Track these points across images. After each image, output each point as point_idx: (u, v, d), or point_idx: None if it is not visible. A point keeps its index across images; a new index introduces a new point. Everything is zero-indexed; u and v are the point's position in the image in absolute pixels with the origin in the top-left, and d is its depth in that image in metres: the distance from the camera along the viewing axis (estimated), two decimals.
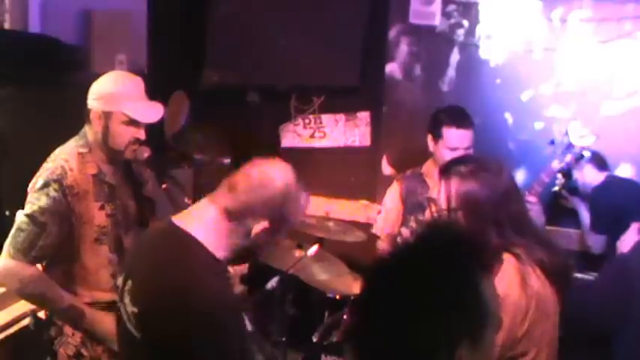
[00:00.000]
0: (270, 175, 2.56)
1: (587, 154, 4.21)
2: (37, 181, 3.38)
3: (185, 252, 2.46)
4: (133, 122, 3.43)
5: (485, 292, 1.71)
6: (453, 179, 3.00)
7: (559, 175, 4.45)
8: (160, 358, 2.39)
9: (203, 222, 2.50)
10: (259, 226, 2.48)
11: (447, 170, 3.08)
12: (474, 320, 1.68)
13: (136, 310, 2.44)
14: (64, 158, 3.44)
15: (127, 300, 2.50)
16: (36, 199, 3.34)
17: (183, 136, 5.66)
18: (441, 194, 3.03)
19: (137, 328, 2.44)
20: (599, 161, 5.20)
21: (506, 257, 2.82)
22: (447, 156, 4.32)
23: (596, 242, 5.28)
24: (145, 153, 3.57)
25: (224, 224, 2.49)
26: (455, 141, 4.32)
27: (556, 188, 4.90)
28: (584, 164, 5.01)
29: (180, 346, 2.31)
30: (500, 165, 3.11)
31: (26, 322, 3.87)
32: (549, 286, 2.85)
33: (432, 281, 1.68)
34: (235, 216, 2.49)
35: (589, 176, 5.23)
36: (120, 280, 2.61)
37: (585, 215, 5.36)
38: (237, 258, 2.70)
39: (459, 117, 4.38)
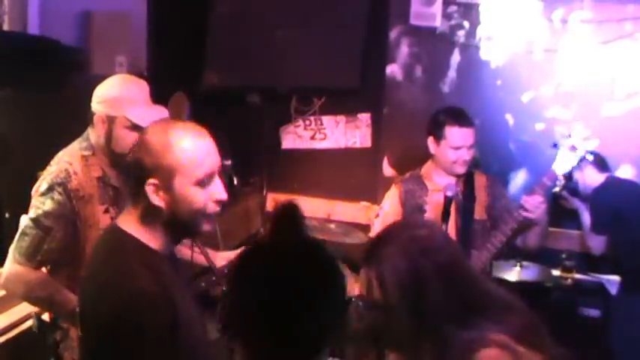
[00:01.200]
0: (147, 130, 2.49)
1: (589, 157, 4.16)
2: (42, 184, 3.34)
3: (116, 248, 2.43)
4: (136, 127, 3.38)
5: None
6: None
7: (560, 176, 4.40)
8: (96, 357, 2.40)
9: (133, 216, 2.45)
10: (151, 187, 2.37)
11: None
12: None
13: (78, 310, 2.48)
14: (68, 161, 3.39)
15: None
16: (41, 203, 3.30)
17: None
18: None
19: (80, 328, 2.46)
20: (600, 162, 5.18)
21: (489, 354, 2.22)
22: (451, 155, 4.30)
23: (596, 243, 5.27)
24: None
25: (141, 207, 2.43)
26: (458, 139, 4.29)
27: (556, 189, 4.86)
28: (585, 165, 4.97)
29: (104, 342, 2.31)
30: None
31: (29, 324, 3.84)
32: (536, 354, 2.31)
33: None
34: (135, 195, 2.44)
35: (589, 177, 5.21)
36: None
37: (586, 216, 5.34)
38: (182, 238, 2.68)
39: (461, 116, 4.37)
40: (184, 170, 2.38)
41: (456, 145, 4.30)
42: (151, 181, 2.36)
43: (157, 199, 2.37)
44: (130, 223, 2.45)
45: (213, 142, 2.49)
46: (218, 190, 2.48)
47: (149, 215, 2.42)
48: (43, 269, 3.45)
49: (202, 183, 2.42)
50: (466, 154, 4.30)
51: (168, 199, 2.38)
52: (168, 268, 2.53)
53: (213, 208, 2.48)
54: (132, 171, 2.42)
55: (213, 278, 3.65)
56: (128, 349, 2.26)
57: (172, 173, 2.37)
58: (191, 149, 2.40)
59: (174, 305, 2.41)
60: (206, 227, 2.51)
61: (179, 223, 2.45)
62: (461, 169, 4.34)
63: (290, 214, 1.86)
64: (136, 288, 2.31)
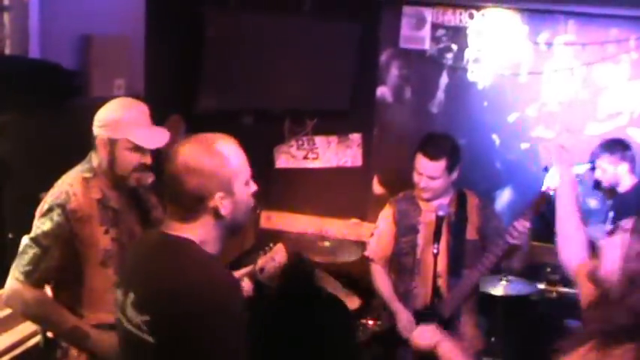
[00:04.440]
0: (187, 155, 2.47)
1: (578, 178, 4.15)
2: (43, 206, 3.33)
3: (183, 253, 2.45)
4: (138, 148, 3.37)
5: None
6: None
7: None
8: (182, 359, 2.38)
9: (193, 226, 2.47)
10: (218, 200, 2.42)
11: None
12: None
13: (147, 317, 2.40)
14: (69, 183, 3.38)
15: (130, 312, 2.46)
16: (41, 224, 3.29)
17: None
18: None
19: (152, 334, 2.39)
20: (633, 164, 5.12)
21: None
22: (415, 178, 4.31)
23: None
24: (149, 178, 3.52)
25: (202, 218, 2.46)
26: (420, 167, 4.29)
27: None
28: (620, 163, 4.99)
29: (197, 344, 2.30)
30: None
31: (35, 340, 3.82)
32: None
33: None
34: (197, 209, 2.45)
35: (623, 178, 5.12)
36: (119, 294, 2.57)
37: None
38: (227, 248, 2.68)
39: (432, 147, 4.30)
40: (239, 174, 2.48)
41: (418, 171, 4.31)
42: (219, 195, 2.42)
43: (224, 210, 2.44)
44: (185, 232, 2.47)
45: None
46: (253, 184, 2.58)
47: (213, 224, 2.48)
48: (47, 289, 3.44)
49: (249, 182, 2.53)
50: (424, 182, 4.29)
51: (231, 206, 2.45)
52: (225, 268, 2.63)
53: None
54: (192, 195, 2.43)
55: None
56: (225, 337, 2.31)
57: (232, 180, 2.45)
58: (238, 154, 2.51)
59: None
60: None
61: (236, 225, 2.54)
62: (423, 195, 4.34)
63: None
64: (218, 281, 2.40)
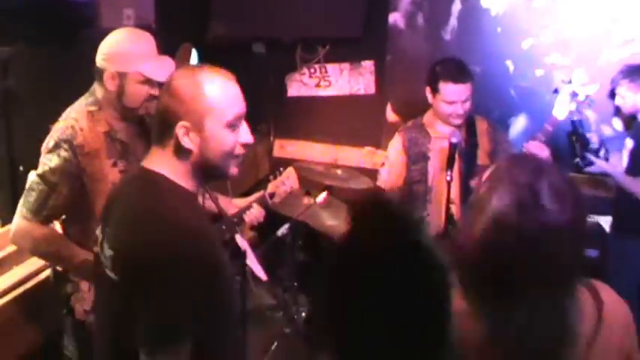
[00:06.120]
0: (173, 76, 2.46)
1: (590, 101, 4.10)
2: (49, 141, 3.30)
3: (153, 188, 2.40)
4: (147, 80, 3.33)
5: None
6: None
7: (576, 145, 4.40)
8: (138, 298, 2.28)
9: (161, 157, 2.42)
10: (181, 129, 2.35)
11: None
12: None
13: (112, 252, 2.38)
14: (74, 117, 3.34)
15: (105, 246, 2.44)
16: (48, 160, 3.26)
17: None
18: None
19: (114, 270, 2.37)
20: None
21: None
22: (446, 109, 4.25)
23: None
24: None
25: (168, 147, 2.41)
26: (452, 95, 4.23)
27: (576, 160, 4.82)
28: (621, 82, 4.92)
29: (157, 281, 2.23)
30: None
31: (46, 274, 3.83)
32: None
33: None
34: (164, 137, 2.41)
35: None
36: (99, 230, 2.53)
37: (617, 167, 5.13)
38: (211, 179, 2.63)
39: (456, 71, 4.27)
40: (216, 113, 2.37)
41: (449, 100, 4.24)
42: (182, 123, 2.34)
43: (188, 142, 2.36)
44: (159, 165, 2.42)
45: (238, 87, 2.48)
46: (245, 133, 2.48)
47: (179, 157, 2.40)
48: (56, 224, 3.44)
49: (232, 126, 2.41)
50: (460, 109, 4.24)
51: (199, 142, 2.37)
52: (200, 207, 2.58)
53: (240, 150, 2.47)
54: (161, 115, 2.41)
55: (223, 227, 3.62)
56: (178, 284, 2.23)
57: (204, 116, 2.35)
58: (222, 92, 2.40)
59: (213, 243, 2.46)
60: (234, 170, 2.50)
61: (209, 166, 2.44)
62: (456, 121, 4.29)
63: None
64: (182, 221, 2.31)
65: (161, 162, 2.42)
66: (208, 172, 2.48)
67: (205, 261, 2.31)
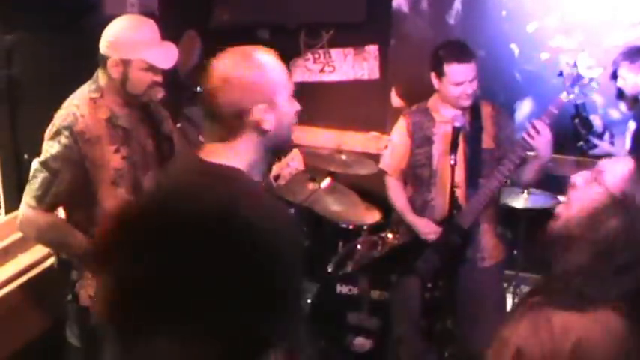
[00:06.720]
0: (225, 67, 2.37)
1: (595, 84, 4.08)
2: (51, 129, 3.32)
3: (233, 187, 2.26)
4: (151, 67, 3.34)
5: None
6: None
7: (579, 128, 4.39)
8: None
9: (233, 151, 2.35)
10: (259, 113, 2.31)
11: None
12: None
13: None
14: (76, 104, 3.36)
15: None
16: (50, 147, 3.28)
17: (196, 74, 5.58)
18: None
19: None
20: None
21: None
22: (454, 91, 4.23)
23: None
24: (159, 93, 3.48)
25: (243, 137, 2.35)
26: (458, 75, 4.21)
27: (580, 144, 4.81)
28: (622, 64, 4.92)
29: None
30: None
31: (51, 261, 3.84)
32: None
33: None
34: (237, 125, 2.34)
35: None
36: None
37: (621, 150, 5.12)
38: (270, 164, 2.60)
39: (459, 51, 4.26)
40: (282, 86, 2.38)
41: (456, 81, 4.22)
42: (259, 107, 2.31)
43: (268, 123, 2.33)
44: (229, 159, 2.35)
45: None
46: (295, 102, 2.48)
47: (252, 145, 2.36)
48: (61, 211, 3.45)
49: (292, 97, 2.43)
50: (468, 88, 4.22)
51: (274, 120, 2.35)
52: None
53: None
54: (227, 111, 2.33)
55: None
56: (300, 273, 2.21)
57: (275, 92, 2.35)
58: (278, 65, 2.41)
59: None
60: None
61: (280, 142, 2.45)
62: (465, 102, 4.27)
63: None
64: (285, 212, 2.35)
65: (230, 154, 2.36)
66: (278, 149, 2.51)
67: (294, 259, 2.25)
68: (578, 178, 2.24)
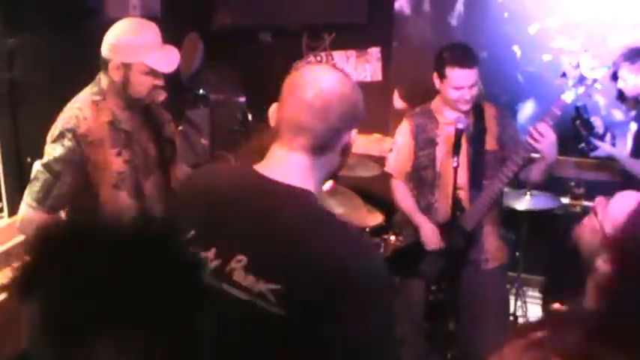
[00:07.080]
0: (335, 82, 2.11)
1: (598, 86, 4.07)
2: (54, 131, 3.32)
3: (311, 211, 2.08)
4: (152, 71, 3.33)
5: None
6: None
7: (581, 129, 4.39)
8: (314, 334, 1.97)
9: (310, 171, 2.11)
10: (352, 135, 2.12)
11: None
12: None
13: (278, 286, 1.96)
14: (79, 107, 3.35)
15: (240, 276, 2.02)
16: (52, 149, 3.28)
17: (198, 77, 5.59)
18: None
19: (282, 305, 1.97)
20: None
21: None
22: (453, 95, 4.22)
23: None
24: (161, 96, 3.48)
25: (326, 156, 2.12)
26: (459, 80, 4.19)
27: (581, 145, 4.82)
28: (622, 65, 4.92)
29: (340, 321, 1.93)
30: None
31: None
32: None
33: None
34: (325, 147, 2.10)
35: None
36: (212, 255, 2.07)
37: (623, 151, 5.12)
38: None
39: (462, 56, 4.24)
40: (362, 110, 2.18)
41: (456, 85, 4.20)
42: (355, 129, 2.14)
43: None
44: (302, 179, 2.09)
45: None
46: None
47: (327, 168, 2.16)
48: (61, 214, 3.44)
49: None
50: (467, 94, 4.20)
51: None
52: None
53: None
54: (335, 128, 2.08)
55: None
56: (389, 302, 2.10)
57: (361, 115, 2.17)
58: None
59: None
60: None
61: (341, 168, 2.26)
62: (464, 107, 4.25)
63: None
64: (363, 238, 2.19)
65: (306, 176, 2.11)
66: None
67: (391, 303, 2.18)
68: None
